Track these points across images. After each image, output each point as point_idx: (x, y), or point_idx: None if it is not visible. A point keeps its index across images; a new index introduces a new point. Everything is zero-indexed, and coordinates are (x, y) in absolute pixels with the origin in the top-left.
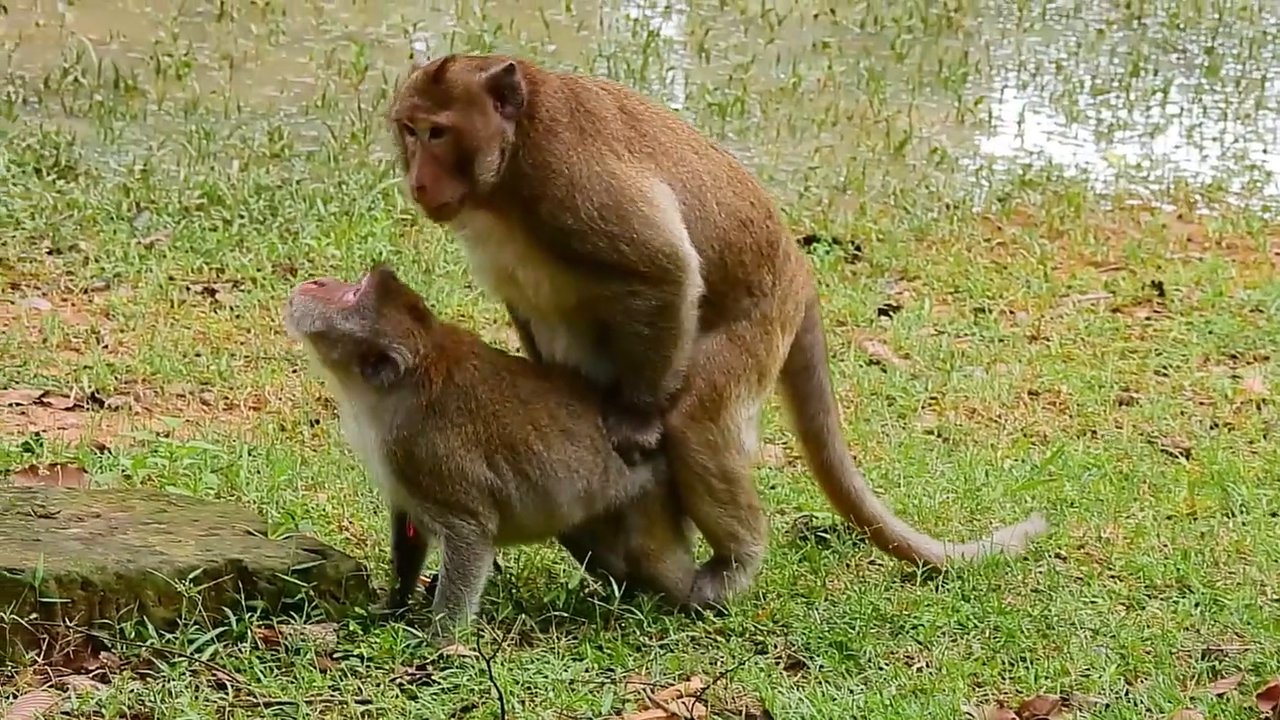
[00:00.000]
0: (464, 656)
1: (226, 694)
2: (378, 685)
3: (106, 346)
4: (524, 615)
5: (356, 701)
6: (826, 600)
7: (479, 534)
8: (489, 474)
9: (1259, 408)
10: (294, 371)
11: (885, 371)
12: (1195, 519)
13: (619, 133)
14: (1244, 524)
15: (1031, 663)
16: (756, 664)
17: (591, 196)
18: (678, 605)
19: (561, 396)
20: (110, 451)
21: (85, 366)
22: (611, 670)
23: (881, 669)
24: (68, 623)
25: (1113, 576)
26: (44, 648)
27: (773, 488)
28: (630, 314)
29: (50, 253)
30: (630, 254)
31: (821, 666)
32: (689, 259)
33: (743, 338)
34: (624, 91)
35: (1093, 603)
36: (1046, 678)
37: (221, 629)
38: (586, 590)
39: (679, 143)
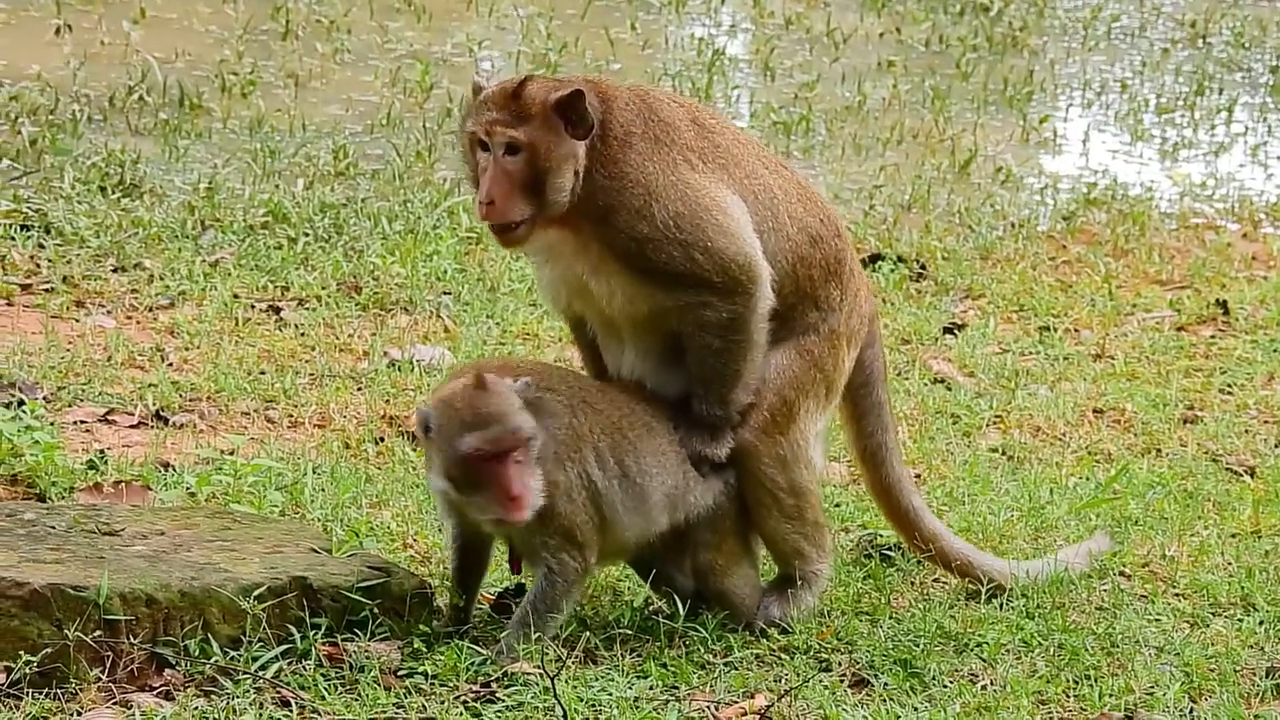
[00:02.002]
0: (528, 674)
1: (290, 711)
2: (442, 703)
3: (171, 364)
4: (588, 633)
5: (421, 719)
6: (891, 618)
7: (580, 571)
8: (597, 472)
9: None
10: (359, 389)
11: (950, 389)
12: (1259, 537)
13: (692, 143)
14: None
15: (1096, 680)
16: (821, 682)
17: (667, 205)
18: (743, 622)
19: (632, 399)
20: (175, 469)
21: (150, 384)
22: (676, 688)
23: (946, 687)
24: (132, 640)
25: (1177, 594)
26: (108, 665)
27: (837, 505)
28: (702, 325)
29: (115, 271)
30: (704, 263)
31: (886, 684)
32: (761, 270)
33: (811, 352)
34: (695, 105)
35: (1157, 620)
36: (1111, 695)
37: (286, 646)
38: (651, 608)
39: (750, 156)
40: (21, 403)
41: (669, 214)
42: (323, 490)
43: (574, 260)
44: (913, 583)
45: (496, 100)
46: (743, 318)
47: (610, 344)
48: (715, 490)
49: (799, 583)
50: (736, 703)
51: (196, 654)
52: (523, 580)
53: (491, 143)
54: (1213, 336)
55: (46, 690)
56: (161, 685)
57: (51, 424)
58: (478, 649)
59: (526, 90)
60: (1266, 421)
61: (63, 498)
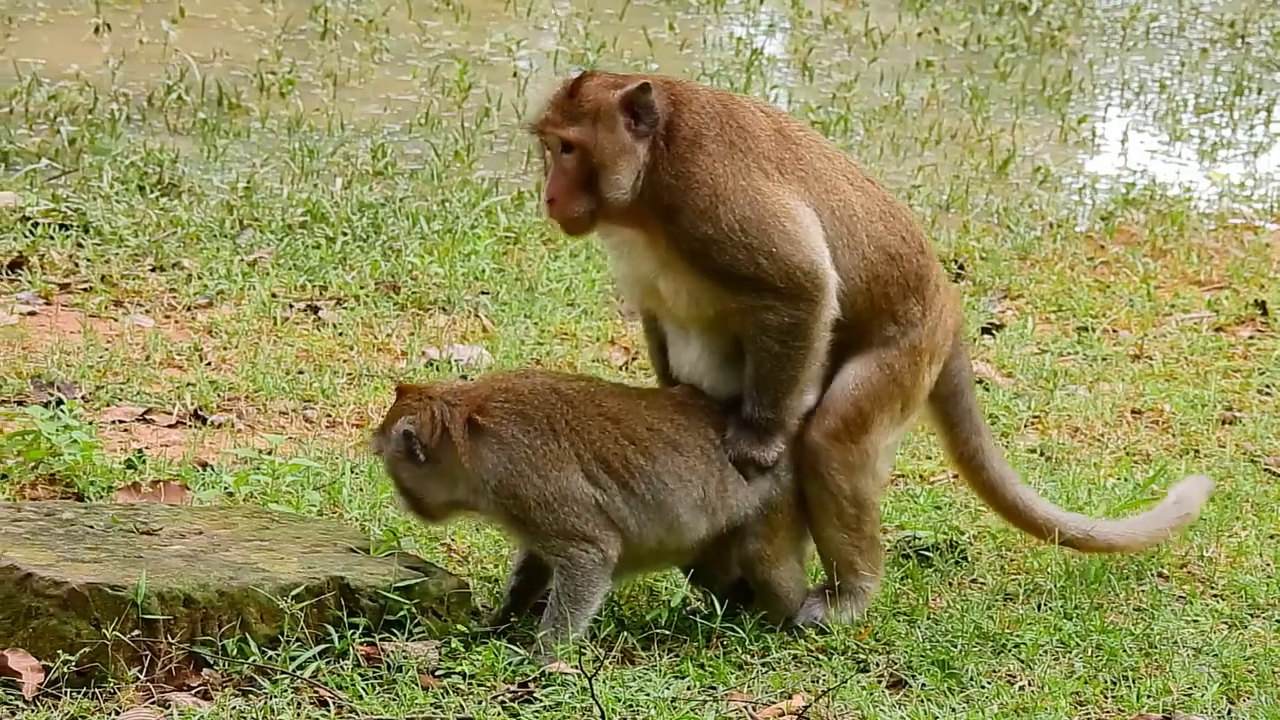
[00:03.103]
0: (566, 674)
1: (328, 711)
2: (479, 703)
3: (209, 364)
4: (626, 633)
5: (458, 719)
6: (929, 619)
7: (597, 561)
8: (592, 490)
9: None
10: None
11: (988, 390)
12: None
13: (770, 152)
14: None
15: (1134, 681)
16: (858, 682)
17: (734, 208)
18: (783, 617)
19: (664, 412)
20: (213, 469)
21: (188, 384)
22: (713, 688)
23: (984, 688)
24: (170, 640)
25: (1215, 595)
26: (146, 664)
27: None
28: (763, 329)
29: (154, 270)
30: (769, 268)
31: (923, 685)
32: (827, 279)
33: (891, 366)
34: (783, 116)
35: (1195, 621)
36: (1149, 696)
37: (323, 646)
38: (688, 608)
39: (834, 171)
40: (60, 402)
41: (735, 217)
42: (361, 490)
43: (643, 258)
44: (950, 583)
45: (555, 98)
46: (805, 324)
47: (677, 341)
48: (764, 489)
49: (846, 595)
50: (774, 703)
51: (234, 654)
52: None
53: (546, 141)
54: (1251, 337)
55: (85, 690)
56: (199, 685)
57: (90, 423)
58: (515, 649)
59: (582, 88)
60: None
61: (101, 497)
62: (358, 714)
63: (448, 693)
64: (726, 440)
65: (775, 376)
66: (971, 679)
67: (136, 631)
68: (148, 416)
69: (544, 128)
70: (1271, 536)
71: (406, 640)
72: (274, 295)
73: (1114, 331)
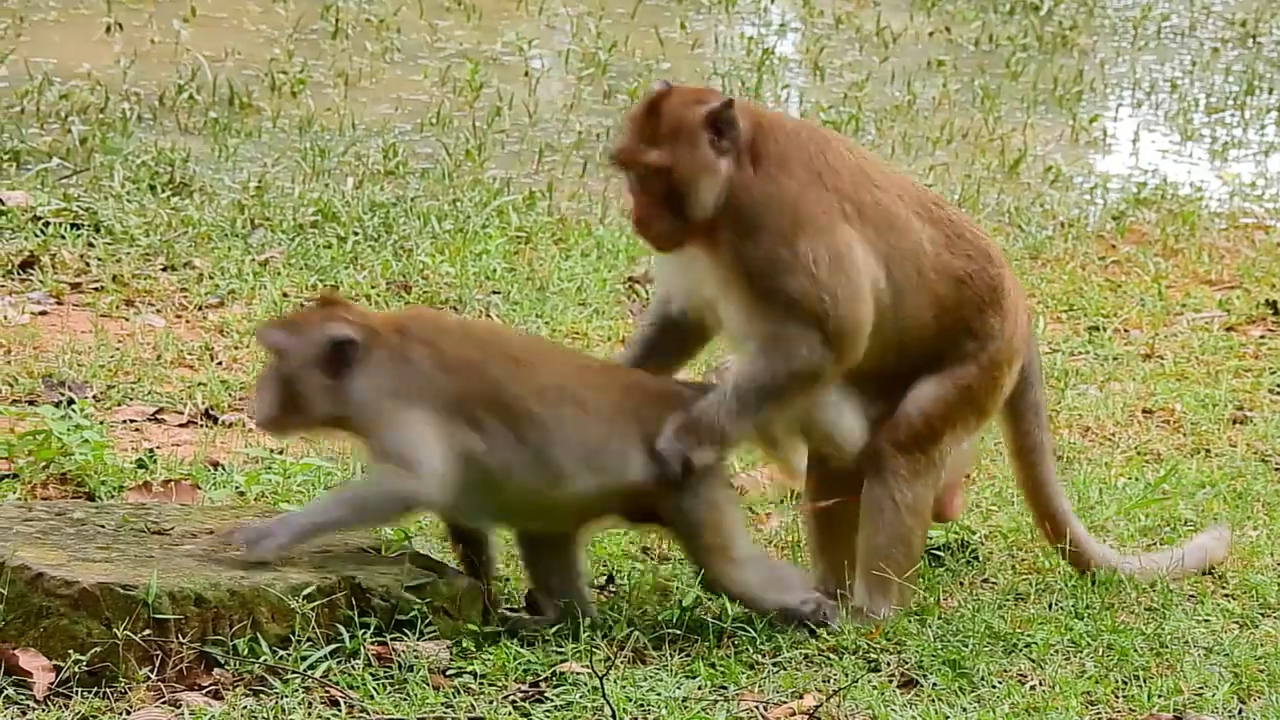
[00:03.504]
0: (577, 674)
1: (339, 710)
2: (490, 702)
3: (220, 363)
4: (637, 632)
5: (469, 718)
6: (940, 618)
7: (402, 492)
8: (462, 434)
9: None
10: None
11: None
12: None
13: (851, 193)
14: None
15: (1145, 681)
16: (870, 682)
17: (813, 240)
18: (766, 611)
19: (586, 374)
20: (224, 468)
21: (199, 383)
22: (724, 688)
23: (995, 687)
24: (181, 639)
25: (1226, 595)
26: (157, 664)
27: None
28: (789, 356)
29: (165, 269)
30: (824, 309)
31: (934, 685)
32: (862, 344)
33: (969, 386)
34: (865, 154)
35: (1206, 621)
36: (1160, 696)
37: (334, 646)
38: (700, 608)
39: (907, 211)
40: (71, 401)
41: (811, 249)
42: None
43: (704, 280)
44: (962, 583)
45: (635, 120)
46: (826, 370)
47: (733, 355)
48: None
49: (859, 609)
50: (785, 703)
51: (245, 653)
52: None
53: (629, 169)
54: (1262, 336)
55: (95, 689)
56: (210, 684)
57: (101, 423)
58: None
59: (663, 107)
60: None
61: (112, 497)
62: (369, 713)
63: (459, 692)
64: (666, 432)
65: (762, 395)
66: (983, 678)
67: (147, 631)
68: (159, 416)
69: (627, 157)
70: None
71: (418, 640)
72: (285, 295)
73: (1125, 331)
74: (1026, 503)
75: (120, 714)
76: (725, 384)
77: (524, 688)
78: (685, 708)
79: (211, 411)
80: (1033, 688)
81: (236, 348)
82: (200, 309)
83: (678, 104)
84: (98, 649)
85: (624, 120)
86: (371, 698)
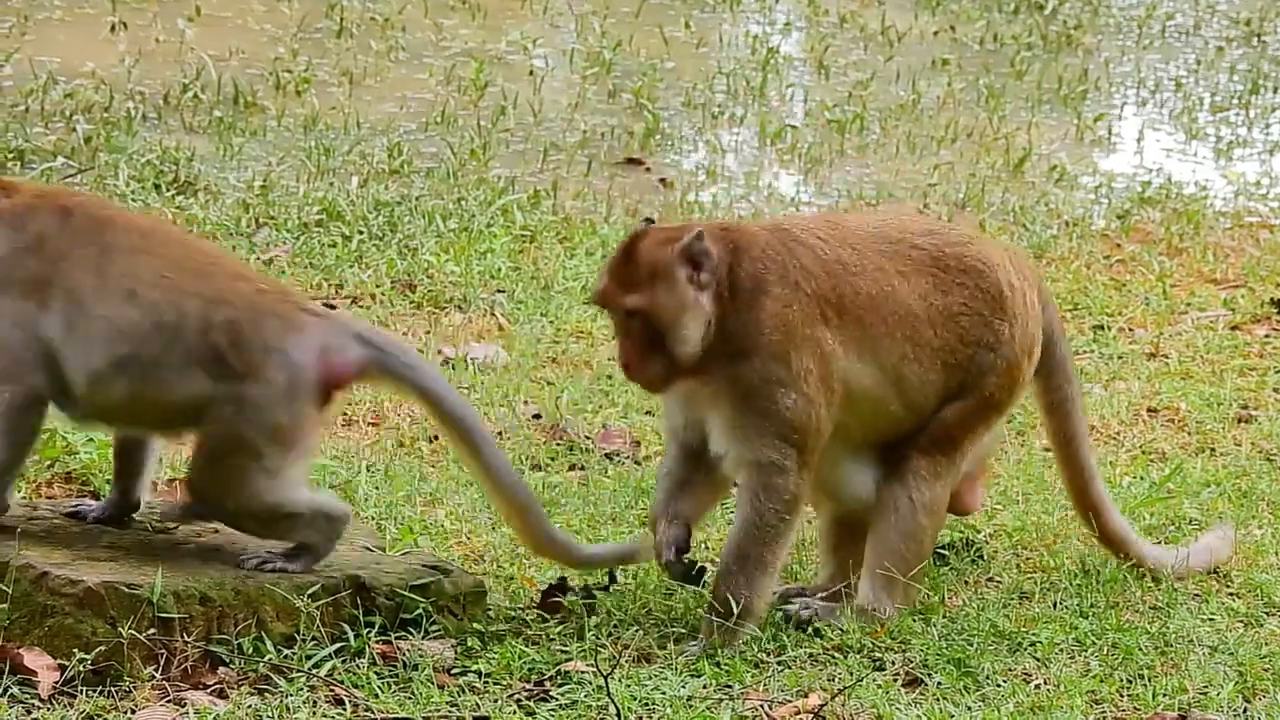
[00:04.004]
0: (582, 673)
1: (344, 709)
2: (495, 701)
3: None
4: (642, 631)
5: (474, 717)
6: (945, 617)
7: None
8: (38, 316)
9: None
10: None
11: None
12: None
13: (830, 292)
14: None
15: (1150, 680)
16: (874, 681)
17: (802, 357)
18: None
19: (177, 271)
20: None
21: None
22: (729, 687)
23: (999, 686)
24: (186, 638)
25: (1231, 594)
26: (162, 663)
27: None
28: (770, 490)
29: None
30: (813, 424)
31: (939, 683)
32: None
33: (991, 395)
34: (842, 239)
35: (1211, 620)
36: (1165, 695)
37: (339, 644)
38: (704, 606)
39: (889, 274)
40: None
41: (803, 365)
42: (376, 488)
43: (702, 411)
44: (967, 581)
45: (612, 265)
46: (799, 498)
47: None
48: None
49: (864, 607)
50: (790, 702)
51: (250, 652)
52: (564, 576)
53: (609, 313)
54: (1267, 335)
55: (100, 688)
56: (215, 683)
57: None
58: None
59: (637, 250)
60: None
61: None
62: (373, 712)
63: (463, 691)
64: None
65: (761, 551)
66: (987, 677)
67: (152, 630)
68: None
69: (605, 301)
70: None
71: (422, 639)
72: None
73: (1130, 330)
74: (1056, 456)
75: (125, 713)
76: (727, 552)
77: (529, 687)
78: (690, 706)
79: None
80: (1038, 686)
81: None
82: None
83: (652, 245)
84: (103, 648)
85: (602, 267)
86: (376, 696)
